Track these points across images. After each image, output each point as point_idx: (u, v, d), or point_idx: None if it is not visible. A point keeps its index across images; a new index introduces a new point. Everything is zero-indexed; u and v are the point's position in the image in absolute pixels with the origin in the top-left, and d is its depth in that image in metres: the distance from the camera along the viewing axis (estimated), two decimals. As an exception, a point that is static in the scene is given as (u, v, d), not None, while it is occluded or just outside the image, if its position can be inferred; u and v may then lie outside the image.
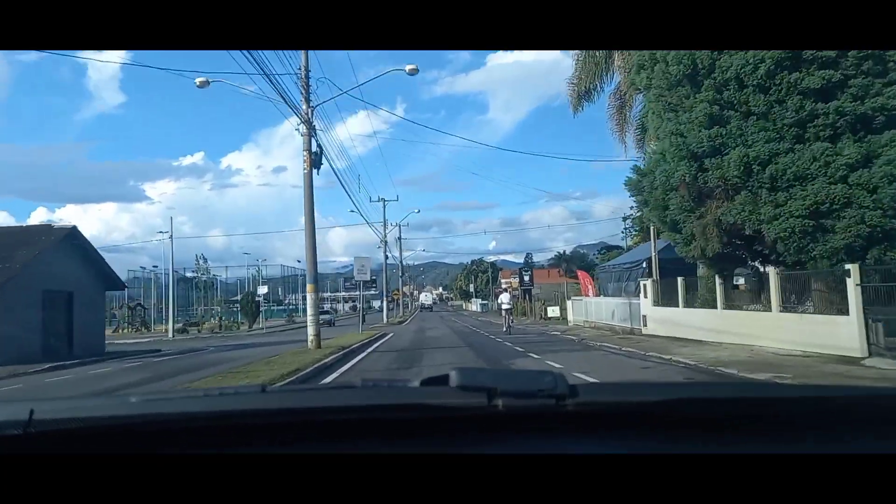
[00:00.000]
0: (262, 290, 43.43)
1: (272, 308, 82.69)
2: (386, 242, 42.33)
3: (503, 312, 25.70)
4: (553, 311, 35.55)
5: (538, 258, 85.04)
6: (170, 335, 39.02)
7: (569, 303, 29.85)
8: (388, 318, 42.03)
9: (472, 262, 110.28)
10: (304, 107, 16.60)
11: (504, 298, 27.22)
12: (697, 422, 1.05)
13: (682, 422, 1.05)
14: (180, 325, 46.27)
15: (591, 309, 25.61)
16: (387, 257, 41.97)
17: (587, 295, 29.49)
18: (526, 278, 44.32)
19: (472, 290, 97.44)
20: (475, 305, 78.95)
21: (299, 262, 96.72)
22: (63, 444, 0.93)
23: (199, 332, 43.69)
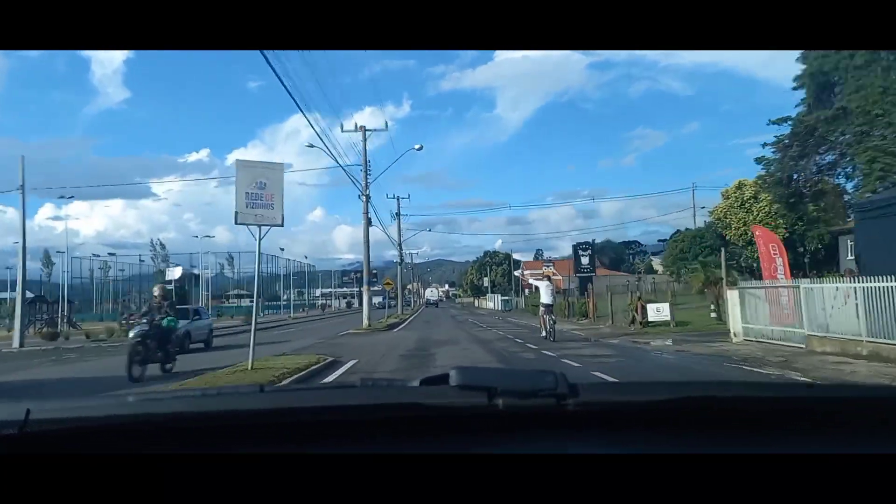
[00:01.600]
0: (175, 273, 28.13)
1: (242, 305, 69.33)
2: (369, 197, 26.79)
3: (541, 310, 17.12)
4: (658, 313, 20.00)
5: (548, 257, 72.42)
6: (15, 344, 23.92)
7: (731, 294, 14.32)
8: (369, 319, 26.43)
9: (485, 253, 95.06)
10: None
11: (543, 290, 17.56)
12: (699, 421, 1.05)
13: (683, 421, 1.04)
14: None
15: (850, 312, 10.09)
16: (370, 221, 26.45)
17: (773, 276, 13.98)
18: (584, 260, 28.57)
19: (486, 284, 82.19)
20: (493, 302, 63.44)
21: (282, 249, 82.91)
22: (60, 444, 0.92)
23: (87, 337, 28.58)
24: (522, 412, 0.99)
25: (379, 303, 44.64)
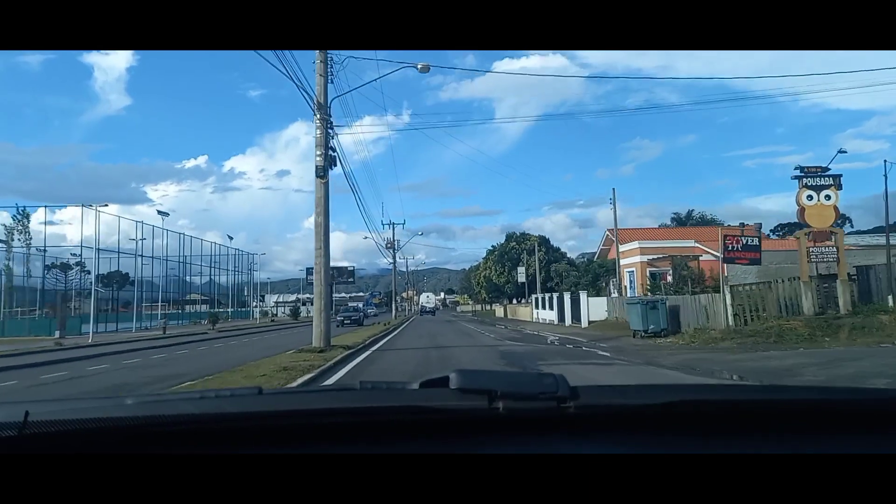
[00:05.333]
0: None
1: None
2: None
3: None
4: None
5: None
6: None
7: None
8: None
9: (509, 236, 62.92)
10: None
11: None
12: (698, 423, 1.05)
13: (682, 423, 1.05)
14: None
15: None
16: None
17: None
18: None
19: (516, 281, 50.62)
20: (555, 310, 31.13)
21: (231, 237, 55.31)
22: (58, 445, 0.92)
23: None
24: (523, 415, 0.98)
25: (351, 312, 14.63)
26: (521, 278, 47.61)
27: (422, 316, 69.19)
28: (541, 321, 35.42)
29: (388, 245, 44.24)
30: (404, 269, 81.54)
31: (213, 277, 59.17)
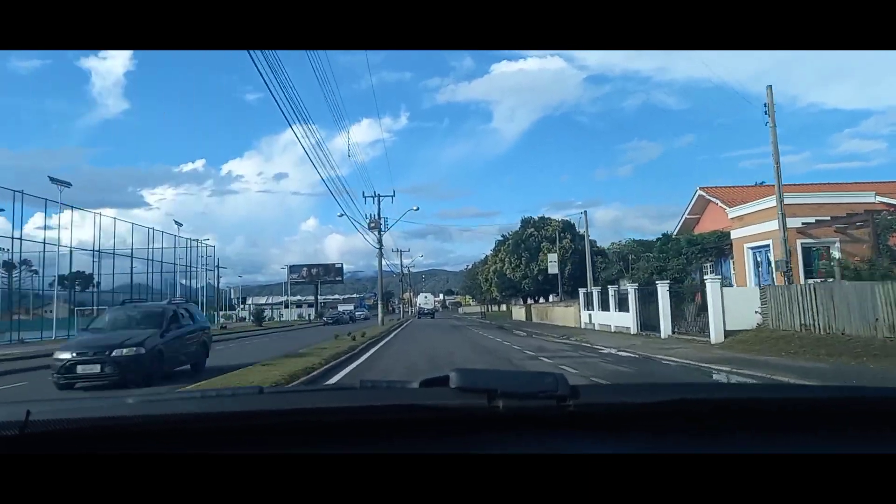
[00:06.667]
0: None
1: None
2: None
3: None
4: None
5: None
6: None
7: None
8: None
9: (525, 221, 50.89)
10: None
11: None
12: (698, 423, 1.06)
13: (681, 422, 1.05)
14: None
15: None
16: None
17: None
18: None
19: (535, 275, 38.99)
20: (620, 313, 19.46)
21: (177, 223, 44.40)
22: (60, 445, 0.93)
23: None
24: (523, 414, 0.98)
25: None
26: (553, 269, 35.83)
27: (419, 319, 58.19)
28: (597, 327, 23.59)
29: (372, 225, 32.31)
30: (399, 270, 70.62)
31: (161, 273, 47.18)
